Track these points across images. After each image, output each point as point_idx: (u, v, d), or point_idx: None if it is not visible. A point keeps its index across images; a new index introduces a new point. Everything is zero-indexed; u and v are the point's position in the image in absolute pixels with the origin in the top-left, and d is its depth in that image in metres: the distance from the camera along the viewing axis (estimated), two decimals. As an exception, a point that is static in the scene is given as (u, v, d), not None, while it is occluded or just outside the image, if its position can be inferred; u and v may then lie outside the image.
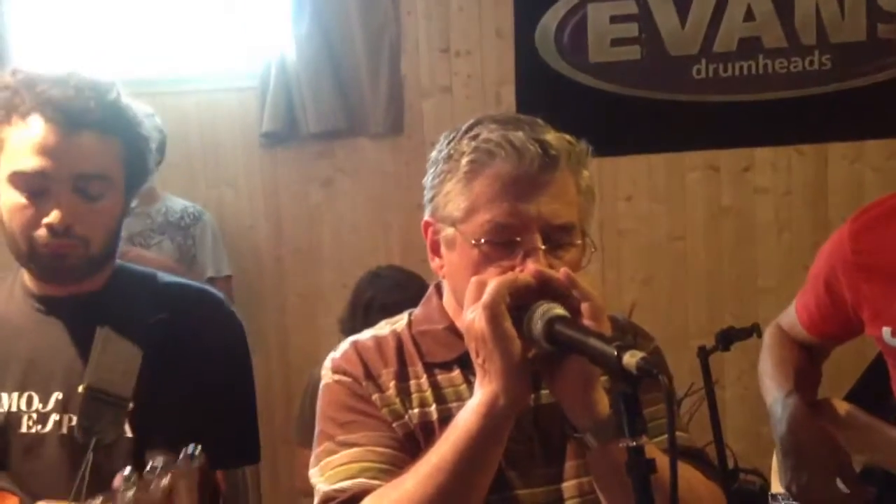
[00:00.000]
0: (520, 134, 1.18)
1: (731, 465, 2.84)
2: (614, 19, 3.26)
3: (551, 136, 1.19)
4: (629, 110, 3.28)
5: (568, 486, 1.22)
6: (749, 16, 3.18)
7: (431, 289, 1.33)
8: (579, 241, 1.20)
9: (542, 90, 3.31)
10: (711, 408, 2.79)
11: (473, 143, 1.20)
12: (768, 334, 1.75)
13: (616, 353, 0.98)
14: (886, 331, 1.44)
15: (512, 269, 1.14)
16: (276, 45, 3.34)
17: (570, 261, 1.18)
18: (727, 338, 2.70)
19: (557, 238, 1.18)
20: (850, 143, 3.17)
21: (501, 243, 1.16)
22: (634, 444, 0.99)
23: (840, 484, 1.46)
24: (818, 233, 3.02)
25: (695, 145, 3.26)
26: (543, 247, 1.15)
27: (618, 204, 3.30)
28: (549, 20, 3.30)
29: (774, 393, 1.60)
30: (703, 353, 2.78)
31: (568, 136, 1.22)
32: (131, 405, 1.39)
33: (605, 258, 3.31)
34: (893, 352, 1.46)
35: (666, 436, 1.15)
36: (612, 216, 3.30)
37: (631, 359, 0.96)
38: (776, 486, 1.64)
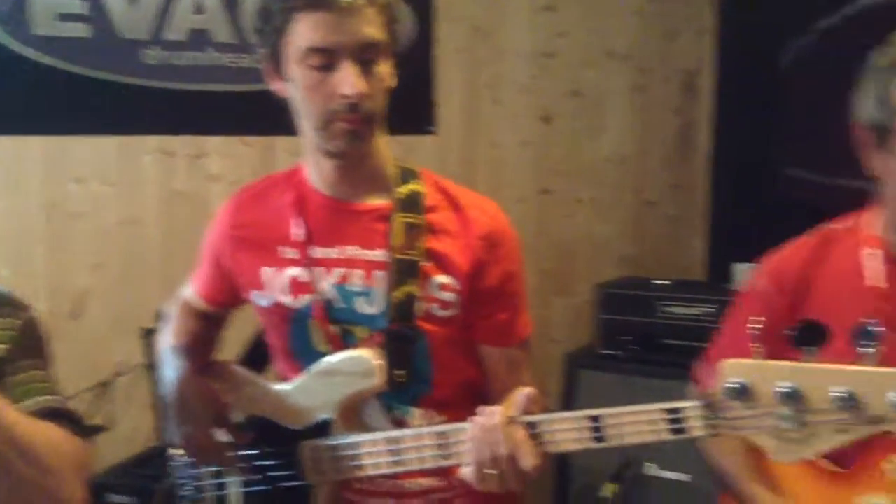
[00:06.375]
0: None
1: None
2: (61, -8, 3.11)
3: None
4: (78, 89, 3.13)
5: None
6: (199, 9, 3.27)
7: None
8: None
9: (-21, 58, 3.02)
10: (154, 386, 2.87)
11: None
12: (174, 307, 1.85)
13: None
14: (255, 294, 1.65)
15: None
16: None
17: None
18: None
19: None
20: (292, 137, 3.40)
21: None
22: None
23: (218, 431, 1.63)
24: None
25: (148, 130, 3.24)
26: None
27: (68, 186, 3.14)
28: (-16, -17, 3.02)
29: (168, 358, 1.72)
30: (146, 334, 2.85)
31: None
32: None
33: (55, 242, 3.13)
34: (262, 311, 1.67)
35: (36, 399, 1.33)
36: (62, 198, 3.13)
37: None
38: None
